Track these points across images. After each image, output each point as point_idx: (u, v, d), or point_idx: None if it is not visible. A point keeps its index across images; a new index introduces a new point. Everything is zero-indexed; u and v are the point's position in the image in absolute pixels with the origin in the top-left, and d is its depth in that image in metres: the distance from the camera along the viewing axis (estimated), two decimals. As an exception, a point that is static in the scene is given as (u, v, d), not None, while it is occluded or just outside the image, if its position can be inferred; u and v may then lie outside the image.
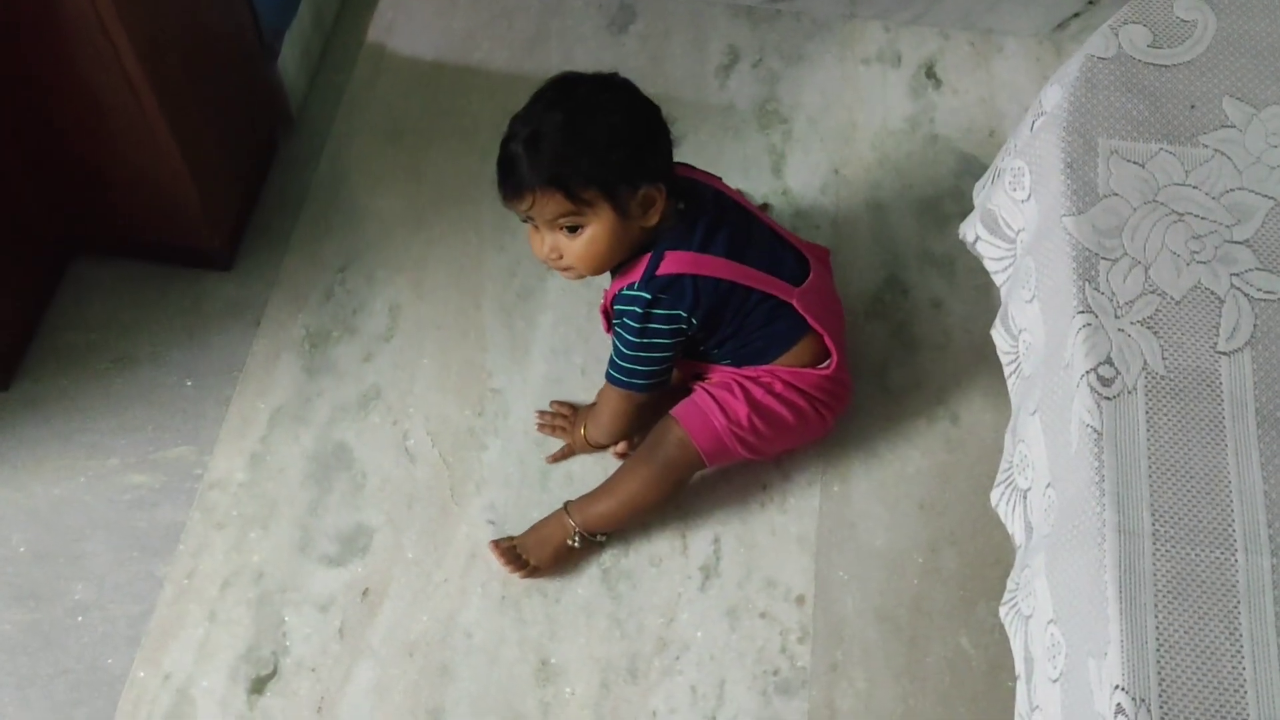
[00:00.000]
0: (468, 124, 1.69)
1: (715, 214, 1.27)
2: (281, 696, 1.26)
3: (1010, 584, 1.04)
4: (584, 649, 1.29)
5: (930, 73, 1.76)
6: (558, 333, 1.51)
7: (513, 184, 1.20)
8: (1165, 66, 1.09)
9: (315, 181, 1.63)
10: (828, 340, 1.31)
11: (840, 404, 1.36)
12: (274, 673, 1.27)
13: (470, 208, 1.61)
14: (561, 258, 1.24)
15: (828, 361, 1.31)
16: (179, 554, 1.34)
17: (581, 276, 1.28)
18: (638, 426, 1.36)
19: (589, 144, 1.17)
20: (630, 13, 1.83)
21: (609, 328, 1.34)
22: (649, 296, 1.23)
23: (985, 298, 1.52)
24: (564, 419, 1.43)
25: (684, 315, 1.24)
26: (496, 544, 1.33)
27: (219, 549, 1.35)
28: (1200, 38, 1.11)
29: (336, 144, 1.67)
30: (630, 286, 1.24)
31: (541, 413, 1.44)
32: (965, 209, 1.60)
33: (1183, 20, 1.12)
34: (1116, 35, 1.11)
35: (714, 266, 1.24)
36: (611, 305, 1.29)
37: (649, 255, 1.24)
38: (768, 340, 1.30)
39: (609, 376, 1.31)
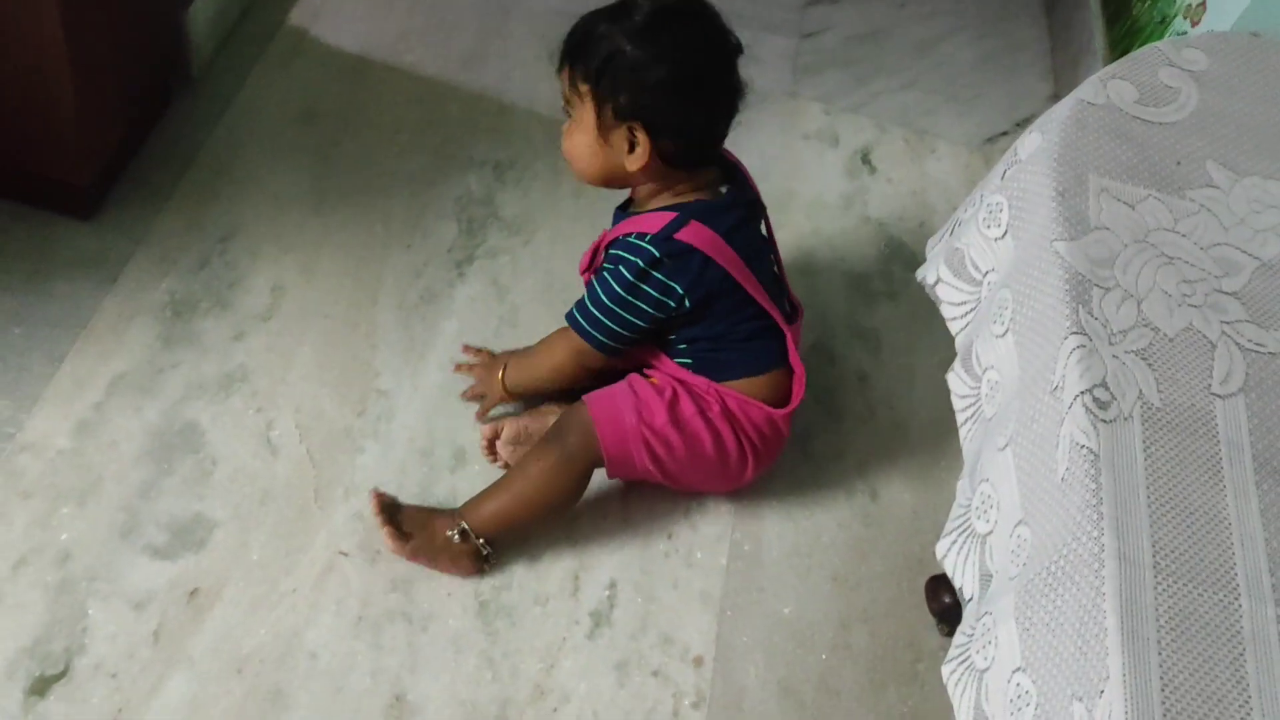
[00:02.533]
0: (388, 122, 1.57)
1: (748, 214, 1.20)
2: (68, 702, 1.02)
3: (959, 639, 0.92)
4: (448, 687, 1.10)
5: (866, 159, 1.74)
6: (460, 343, 1.36)
7: (562, 48, 1.14)
8: (1152, 123, 1.07)
9: (208, 145, 1.46)
10: (800, 383, 1.20)
11: (769, 458, 1.25)
12: (64, 673, 1.04)
13: (380, 199, 1.46)
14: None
15: (786, 406, 1.20)
16: (-32, 519, 1.10)
17: (582, 178, 1.17)
18: (559, 394, 1.23)
19: (625, 55, 1.08)
20: (572, 50, 1.76)
21: (588, 269, 1.22)
22: (656, 255, 1.12)
23: (909, 377, 1.46)
24: (481, 366, 1.29)
25: (679, 292, 1.13)
26: (380, 495, 1.17)
27: (19, 521, 1.12)
28: (1184, 104, 1.09)
29: (238, 113, 1.51)
30: (640, 236, 1.13)
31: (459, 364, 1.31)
32: (894, 290, 1.56)
33: (1167, 86, 1.10)
34: (1105, 87, 1.08)
35: (730, 259, 1.13)
36: (607, 247, 1.17)
37: (674, 215, 1.12)
38: (741, 356, 1.18)
39: (570, 318, 1.19)
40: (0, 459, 1.15)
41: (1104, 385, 0.85)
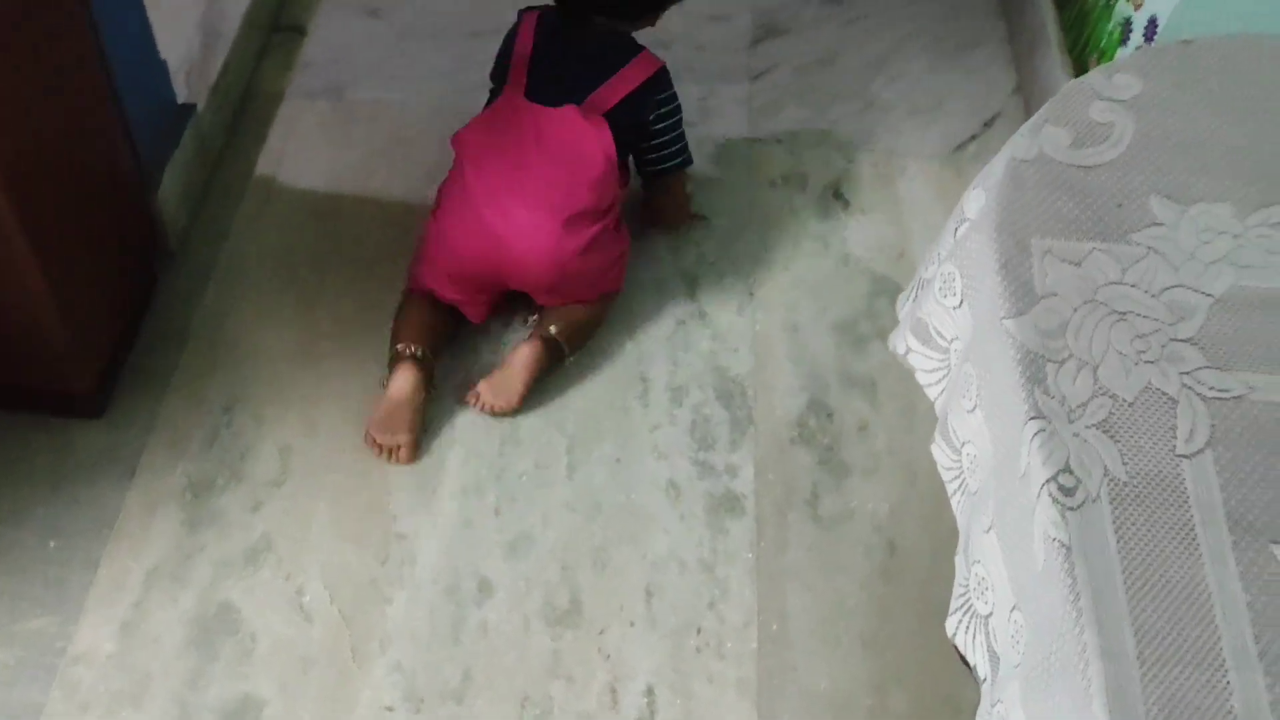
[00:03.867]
0: (366, 254, 1.61)
1: None
2: None
3: (979, 724, 0.94)
4: (506, 825, 1.14)
5: (837, 193, 1.75)
6: (468, 469, 1.40)
7: None
8: (1088, 167, 1.07)
9: (198, 317, 1.52)
10: None
11: None
12: None
13: (370, 336, 1.51)
14: None
15: None
16: (33, 742, 1.16)
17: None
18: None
19: None
20: (532, 141, 1.79)
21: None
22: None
23: (911, 418, 1.47)
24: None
25: None
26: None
27: (82, 733, 1.18)
28: (1119, 139, 1.09)
29: (222, 277, 1.56)
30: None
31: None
32: (882, 329, 1.57)
33: (1099, 123, 1.10)
34: (1037, 136, 1.09)
35: None
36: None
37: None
38: None
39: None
40: (56, 676, 1.21)
41: (1068, 470, 0.87)
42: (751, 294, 1.61)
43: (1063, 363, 0.93)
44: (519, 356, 1.43)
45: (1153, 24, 1.51)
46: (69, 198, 1.29)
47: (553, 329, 1.45)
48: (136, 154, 1.45)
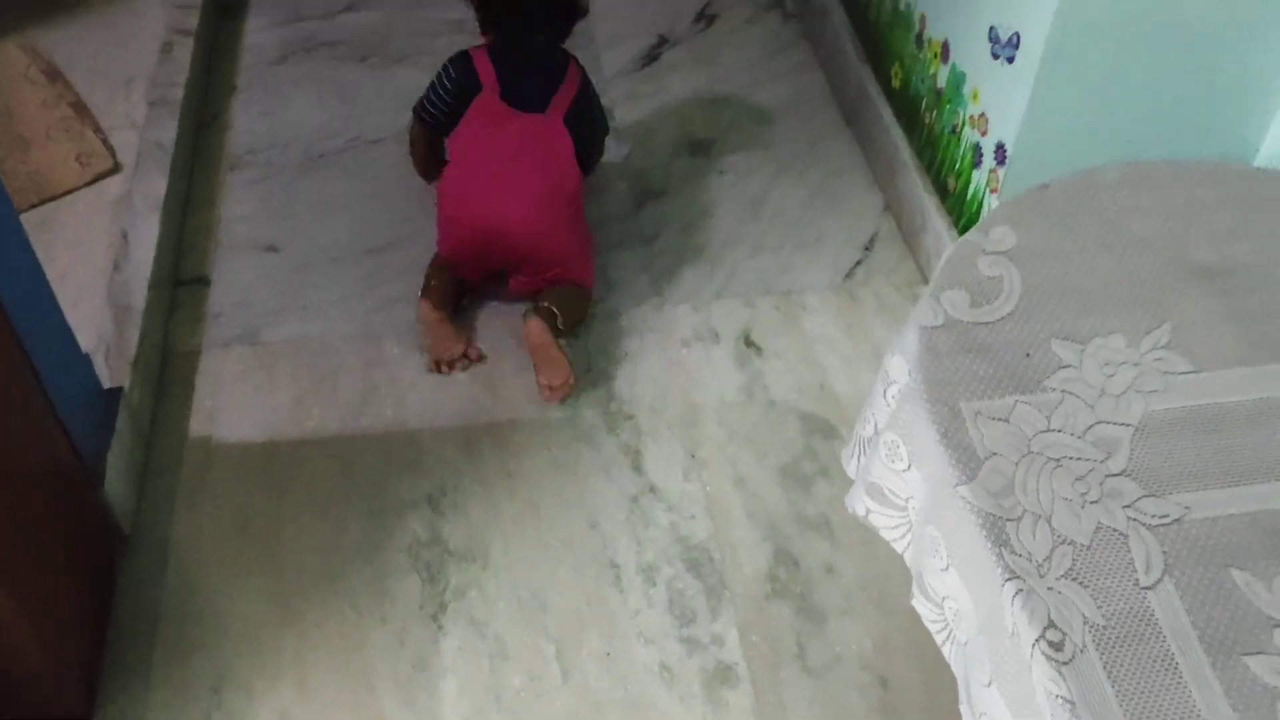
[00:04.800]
0: (316, 497, 1.63)
1: None
2: None
3: None
4: None
5: (749, 342, 1.85)
6: (464, 698, 1.42)
7: None
8: (990, 323, 1.18)
9: (165, 600, 1.51)
10: None
11: None
12: None
13: (339, 583, 1.52)
14: None
15: None
16: None
17: None
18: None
19: None
20: (452, 346, 1.85)
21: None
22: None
23: (872, 548, 1.55)
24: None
25: None
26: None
27: None
28: (1010, 291, 1.21)
29: (180, 553, 1.56)
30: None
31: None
32: (824, 467, 1.66)
33: (990, 277, 1.22)
34: (939, 302, 1.19)
35: None
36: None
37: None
38: None
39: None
40: None
41: (1052, 625, 0.95)
42: (693, 455, 1.69)
43: (1019, 519, 1.02)
44: (533, 334, 1.72)
45: (1001, 149, 1.66)
46: (17, 511, 1.29)
47: (544, 302, 1.75)
48: (77, 452, 1.46)
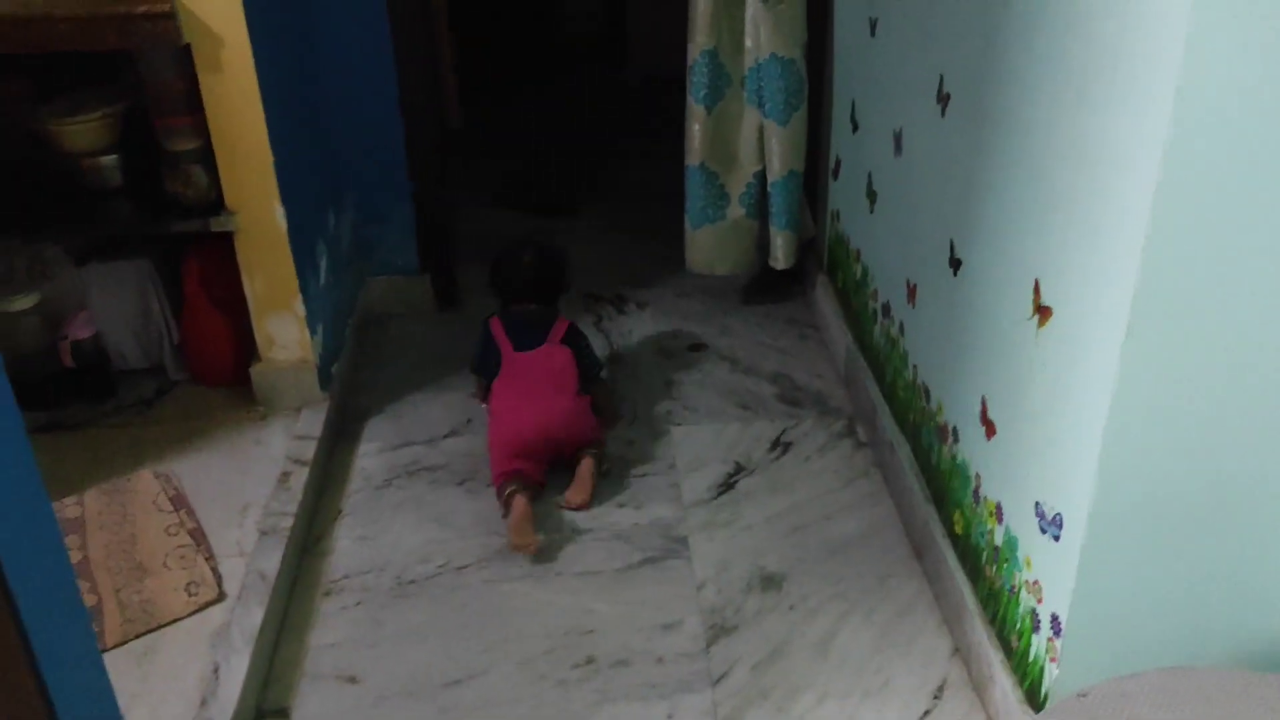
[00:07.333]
0: None
1: None
2: None
3: None
4: None
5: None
6: None
7: None
8: None
9: None
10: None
11: None
12: None
13: None
14: None
15: None
16: None
17: None
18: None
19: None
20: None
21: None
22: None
23: None
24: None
25: None
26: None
27: None
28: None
29: None
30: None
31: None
32: None
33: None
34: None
35: None
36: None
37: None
38: None
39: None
40: None
41: None
42: None
43: None
44: (582, 468, 2.48)
45: (1056, 621, 1.68)
46: None
47: (588, 452, 2.51)
48: None
